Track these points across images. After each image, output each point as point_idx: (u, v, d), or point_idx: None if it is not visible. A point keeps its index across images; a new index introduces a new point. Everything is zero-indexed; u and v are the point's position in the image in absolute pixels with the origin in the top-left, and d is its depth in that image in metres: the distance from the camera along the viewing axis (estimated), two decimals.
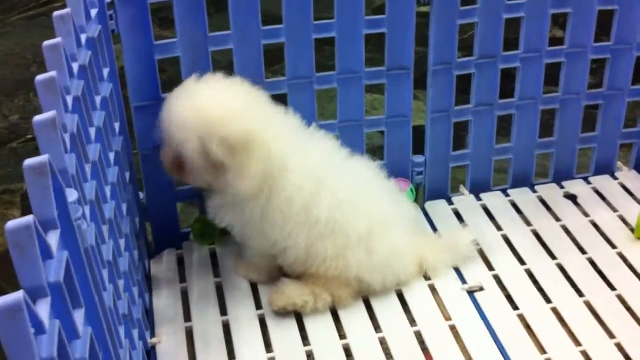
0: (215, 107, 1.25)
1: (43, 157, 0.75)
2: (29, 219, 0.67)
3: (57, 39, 0.99)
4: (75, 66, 1.07)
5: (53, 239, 0.75)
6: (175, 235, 1.61)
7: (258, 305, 1.45)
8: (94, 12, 1.26)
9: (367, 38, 1.53)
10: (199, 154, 1.24)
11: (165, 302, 1.47)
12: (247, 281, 1.50)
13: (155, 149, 1.39)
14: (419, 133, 1.68)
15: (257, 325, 1.41)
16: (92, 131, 1.13)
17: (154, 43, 1.42)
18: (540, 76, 1.65)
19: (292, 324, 1.41)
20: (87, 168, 1.06)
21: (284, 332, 1.39)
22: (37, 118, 0.83)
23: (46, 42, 0.99)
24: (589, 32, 1.63)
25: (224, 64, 1.45)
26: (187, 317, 1.44)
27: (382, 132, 1.65)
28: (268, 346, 1.37)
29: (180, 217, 1.64)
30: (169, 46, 1.44)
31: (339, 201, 1.34)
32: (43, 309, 0.67)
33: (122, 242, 1.25)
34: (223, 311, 1.44)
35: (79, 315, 0.81)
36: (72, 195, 0.83)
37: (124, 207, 1.33)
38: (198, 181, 1.31)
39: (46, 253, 0.72)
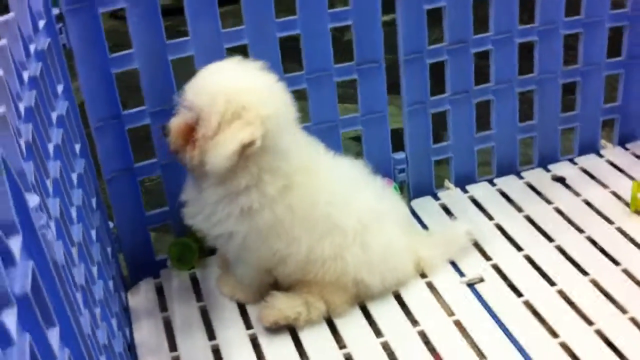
0: (248, 78, 1.20)
1: None
2: None
3: (3, 41, 0.90)
4: (25, 75, 0.98)
5: (15, 245, 0.65)
6: (151, 263, 1.50)
7: (248, 325, 1.35)
8: (41, 23, 1.17)
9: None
10: (220, 117, 1.15)
11: (147, 334, 1.36)
12: (233, 302, 1.40)
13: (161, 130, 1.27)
14: (397, 135, 1.60)
15: (249, 346, 1.31)
16: (50, 147, 1.04)
17: (109, 56, 1.33)
18: (514, 58, 1.60)
19: (287, 340, 1.31)
20: (49, 184, 0.96)
21: (279, 350, 1.29)
22: None
23: None
24: (559, 7, 1.58)
25: (186, 74, 1.37)
26: (173, 346, 1.33)
27: (356, 138, 1.57)
28: None
29: (156, 247, 1.53)
30: (126, 58, 1.35)
31: (334, 196, 1.27)
32: (9, 319, 0.58)
33: (94, 269, 1.15)
34: (211, 336, 1.34)
35: (53, 334, 0.71)
36: (33, 200, 0.74)
37: (93, 233, 1.23)
38: (197, 156, 1.19)
39: (8, 260, 0.63)
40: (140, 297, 1.45)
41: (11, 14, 0.98)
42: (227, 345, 1.31)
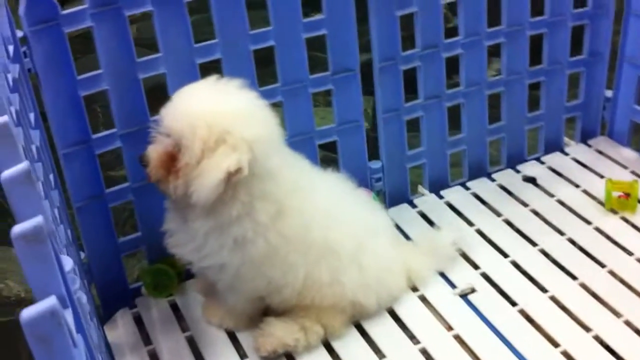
0: (228, 99, 1.11)
1: (37, 220, 0.58)
2: (51, 302, 0.50)
3: None
4: (13, 112, 0.89)
5: (70, 322, 0.58)
6: (125, 293, 1.42)
7: (242, 354, 1.28)
8: (11, 49, 1.07)
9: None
10: (203, 144, 1.06)
11: None
12: (222, 329, 1.33)
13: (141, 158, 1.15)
14: (368, 139, 1.56)
15: None
16: (40, 187, 0.95)
17: (77, 78, 1.24)
18: (484, 60, 1.59)
19: None
20: None
21: None
22: (6, 173, 0.66)
23: None
24: (525, 8, 1.58)
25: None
26: None
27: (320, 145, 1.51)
28: None
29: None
30: (94, 79, 1.26)
31: (328, 217, 1.21)
32: None
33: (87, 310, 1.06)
34: None
35: None
36: (68, 263, 0.66)
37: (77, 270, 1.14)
38: (181, 186, 1.10)
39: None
40: (120, 331, 1.36)
41: None
42: None
